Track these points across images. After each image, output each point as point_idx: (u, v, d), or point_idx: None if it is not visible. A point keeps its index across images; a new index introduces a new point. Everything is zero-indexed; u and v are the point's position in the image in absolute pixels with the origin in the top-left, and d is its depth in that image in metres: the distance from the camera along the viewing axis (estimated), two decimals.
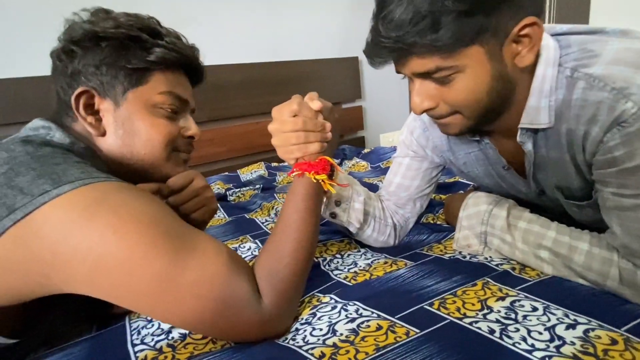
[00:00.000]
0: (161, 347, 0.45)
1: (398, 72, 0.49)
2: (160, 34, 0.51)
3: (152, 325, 0.50)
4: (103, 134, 0.49)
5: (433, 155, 0.67)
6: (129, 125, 0.49)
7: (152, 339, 0.47)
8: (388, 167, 1.33)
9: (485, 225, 0.59)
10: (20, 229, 0.37)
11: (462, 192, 0.81)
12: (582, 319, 0.42)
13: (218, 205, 0.98)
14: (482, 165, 0.61)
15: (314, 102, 0.51)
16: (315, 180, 0.51)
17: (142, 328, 0.49)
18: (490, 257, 0.59)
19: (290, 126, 0.49)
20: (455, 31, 0.41)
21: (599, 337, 0.38)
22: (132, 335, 0.48)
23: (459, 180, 1.06)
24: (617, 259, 0.47)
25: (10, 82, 1.12)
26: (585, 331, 0.39)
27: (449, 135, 0.60)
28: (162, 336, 0.47)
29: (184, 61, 0.53)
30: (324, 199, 0.59)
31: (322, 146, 0.52)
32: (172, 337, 0.47)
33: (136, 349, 0.46)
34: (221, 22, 1.52)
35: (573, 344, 0.38)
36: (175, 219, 0.43)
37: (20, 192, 0.37)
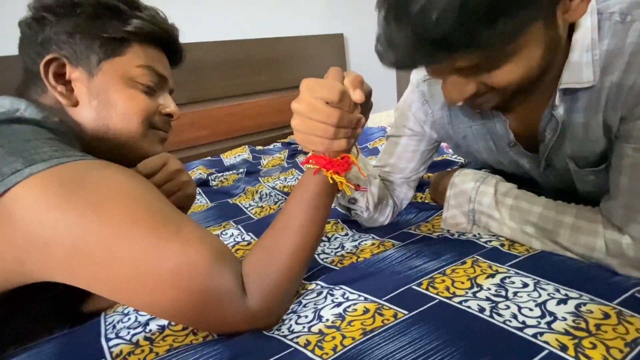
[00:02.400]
0: (138, 341, 0.43)
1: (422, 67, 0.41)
2: (139, 6, 0.49)
3: (129, 318, 0.47)
4: (75, 104, 0.46)
5: (431, 131, 0.62)
6: (104, 96, 0.46)
7: (128, 332, 0.44)
8: (375, 148, 1.31)
9: (472, 203, 0.58)
10: None
11: (449, 169, 0.79)
12: (573, 293, 0.41)
13: (197, 190, 0.95)
14: (482, 139, 0.58)
15: (356, 92, 0.40)
16: (332, 181, 0.44)
17: (118, 322, 0.47)
18: (479, 234, 0.58)
19: (322, 116, 0.39)
20: (515, 23, 0.33)
21: (591, 312, 0.37)
22: (106, 330, 0.46)
23: (447, 158, 1.04)
24: (602, 230, 0.46)
25: None
26: (577, 306, 0.38)
27: (474, 110, 0.53)
28: (139, 329, 0.45)
29: (163, 36, 0.51)
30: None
31: (349, 143, 0.42)
32: (150, 330, 0.44)
33: (110, 343, 0.43)
34: None
35: (565, 319, 0.37)
36: (161, 198, 0.40)
37: None
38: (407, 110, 0.63)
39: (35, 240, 0.35)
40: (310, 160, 0.44)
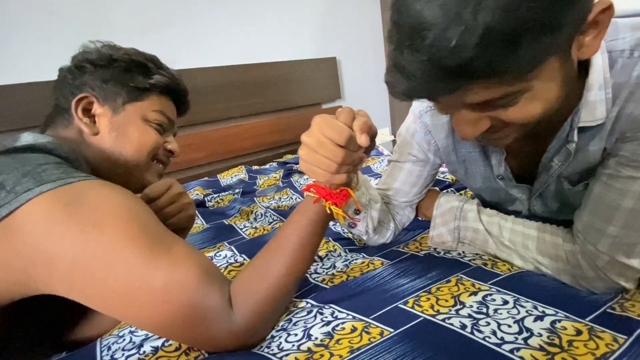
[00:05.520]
0: None
1: (434, 101, 0.40)
2: (162, 66, 0.61)
3: (123, 339, 0.48)
4: (96, 133, 0.55)
5: (435, 157, 0.64)
6: (122, 130, 0.56)
7: (123, 354, 0.45)
8: (368, 167, 1.34)
9: (458, 220, 0.60)
10: (3, 226, 0.38)
11: (433, 188, 0.81)
12: (549, 310, 0.43)
13: (196, 212, 0.97)
14: (480, 165, 0.60)
15: (363, 137, 0.42)
16: (329, 211, 0.47)
17: (113, 343, 0.48)
18: (463, 252, 0.60)
19: (328, 153, 0.42)
20: (536, 50, 0.32)
21: (565, 328, 0.39)
22: (102, 352, 0.47)
23: (436, 178, 1.07)
24: (562, 242, 0.49)
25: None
26: (552, 322, 0.40)
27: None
28: (133, 350, 0.46)
29: (176, 90, 0.62)
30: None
31: (348, 178, 0.45)
32: (144, 351, 0.45)
33: None
34: (195, 25, 1.49)
35: (540, 335, 0.39)
36: (154, 219, 0.44)
37: (3, 190, 0.38)
38: (411, 139, 0.64)
39: (41, 254, 0.38)
40: (311, 189, 0.47)
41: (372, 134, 0.46)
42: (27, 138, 0.49)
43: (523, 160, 0.54)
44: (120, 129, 0.56)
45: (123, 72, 0.56)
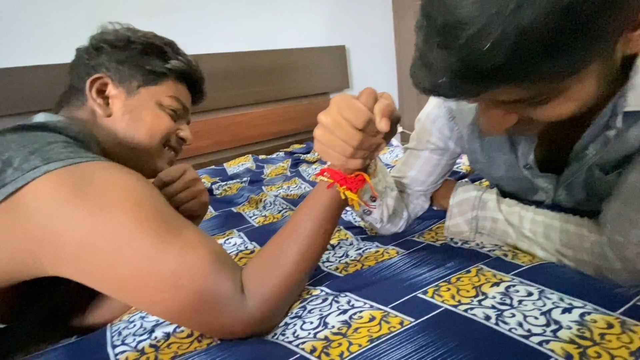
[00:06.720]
0: (143, 348, 0.43)
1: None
2: (180, 52, 0.60)
3: (134, 325, 0.47)
4: (109, 115, 0.54)
5: (456, 146, 0.61)
6: (136, 113, 0.55)
7: (134, 339, 0.44)
8: (378, 157, 1.32)
9: (476, 210, 0.58)
10: (9, 204, 0.37)
11: (448, 178, 0.79)
12: (577, 302, 0.41)
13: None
14: (506, 152, 0.56)
15: (382, 122, 0.39)
16: (344, 197, 0.45)
17: (124, 329, 0.47)
18: (482, 242, 0.59)
19: (344, 136, 0.40)
20: (577, 58, 0.30)
21: (595, 321, 0.37)
22: (112, 337, 0.46)
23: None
24: (587, 233, 0.47)
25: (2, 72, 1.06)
26: (581, 315, 0.39)
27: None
28: (145, 336, 0.45)
29: (193, 78, 0.61)
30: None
31: (363, 163, 0.44)
32: (155, 337, 0.44)
33: (116, 350, 0.43)
34: (202, 10, 1.46)
35: (570, 328, 0.37)
36: (164, 202, 0.42)
37: (10, 167, 0.37)
38: (431, 126, 0.61)
39: (47, 234, 0.37)
40: (325, 173, 0.45)
41: (394, 119, 0.43)
42: (39, 118, 0.48)
43: (552, 148, 0.51)
44: (133, 112, 0.55)
45: (140, 54, 0.56)
